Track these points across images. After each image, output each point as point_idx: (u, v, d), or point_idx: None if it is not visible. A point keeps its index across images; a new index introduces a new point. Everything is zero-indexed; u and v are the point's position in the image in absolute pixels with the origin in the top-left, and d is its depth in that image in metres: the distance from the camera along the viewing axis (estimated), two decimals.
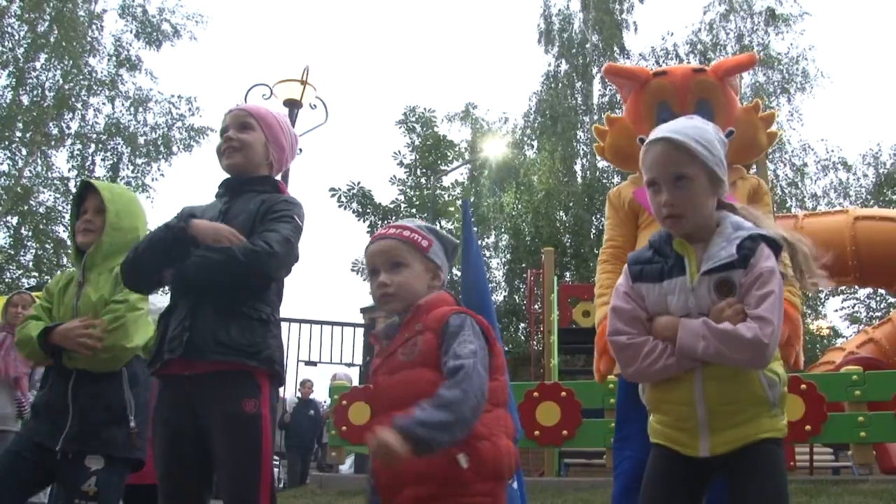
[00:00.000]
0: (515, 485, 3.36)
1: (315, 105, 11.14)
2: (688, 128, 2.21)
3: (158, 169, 22.74)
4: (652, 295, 2.16)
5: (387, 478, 2.05)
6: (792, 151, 25.70)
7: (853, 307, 24.83)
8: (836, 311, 25.99)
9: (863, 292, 23.81)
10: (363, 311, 17.13)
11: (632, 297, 2.19)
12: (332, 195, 19.11)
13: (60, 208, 21.43)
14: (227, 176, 2.91)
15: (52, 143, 21.62)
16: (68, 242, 21.00)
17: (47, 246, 20.99)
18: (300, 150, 11.23)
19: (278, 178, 3.03)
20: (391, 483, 2.04)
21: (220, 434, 2.52)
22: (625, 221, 3.03)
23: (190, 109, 22.74)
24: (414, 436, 1.87)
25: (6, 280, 20.46)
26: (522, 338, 20.45)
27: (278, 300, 2.79)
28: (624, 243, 3.05)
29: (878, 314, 22.69)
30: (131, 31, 22.65)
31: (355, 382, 11.14)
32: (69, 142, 21.92)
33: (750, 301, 2.02)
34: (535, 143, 26.62)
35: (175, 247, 2.59)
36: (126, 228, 3.18)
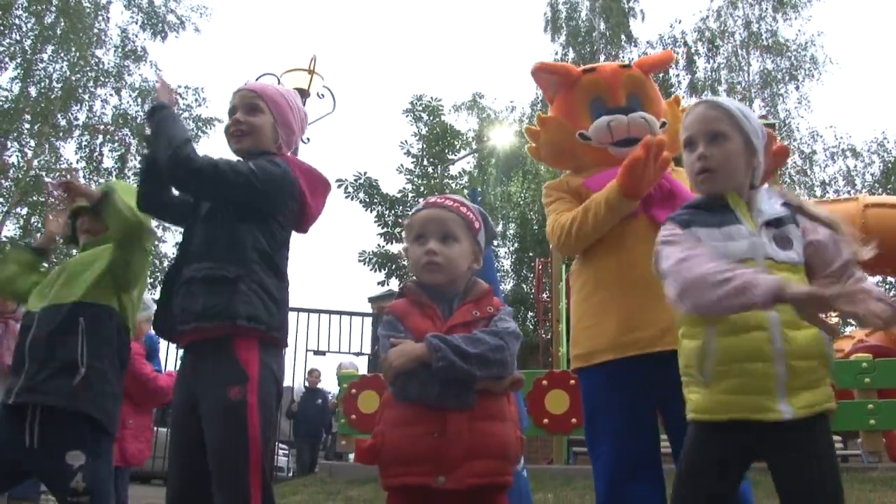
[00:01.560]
0: (525, 472, 3.37)
1: (322, 94, 11.11)
2: (728, 99, 2.27)
3: None
4: (711, 239, 2.08)
5: (459, 448, 2.04)
6: (801, 139, 25.60)
7: None
8: None
9: (872, 282, 23.71)
10: (371, 300, 17.10)
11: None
12: (339, 185, 19.06)
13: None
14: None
15: (60, 134, 21.66)
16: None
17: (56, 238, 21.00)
18: (307, 139, 11.26)
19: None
20: (462, 454, 2.03)
21: (206, 422, 2.47)
22: (576, 204, 2.92)
23: (197, 100, 22.77)
24: (443, 350, 2.03)
25: None
26: (531, 326, 20.42)
27: (264, 261, 2.62)
28: None
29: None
30: (137, 23, 22.68)
31: (363, 371, 11.15)
32: (77, 133, 21.97)
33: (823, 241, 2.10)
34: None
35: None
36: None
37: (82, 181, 3.31)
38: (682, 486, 2.07)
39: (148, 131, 2.67)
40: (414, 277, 2.36)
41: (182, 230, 2.81)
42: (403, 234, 2.39)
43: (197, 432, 2.49)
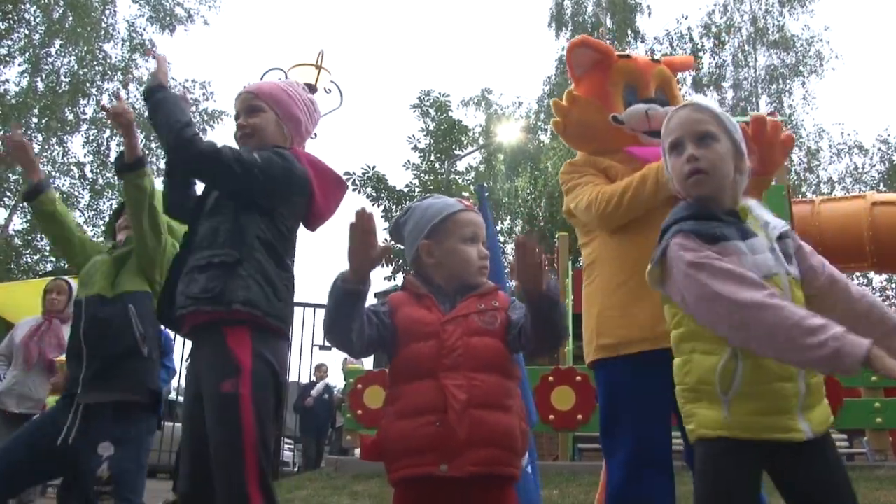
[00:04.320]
0: (530, 469, 3.37)
1: (330, 89, 11.10)
2: (711, 101, 2.27)
3: None
4: (740, 252, 1.99)
5: (464, 434, 2.05)
6: (807, 135, 25.54)
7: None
8: None
9: (877, 281, 23.69)
10: (377, 295, 17.13)
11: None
12: (347, 179, 19.04)
13: (76, 193, 21.59)
14: None
15: (68, 128, 21.72)
16: (85, 228, 21.26)
17: None
18: (315, 134, 11.26)
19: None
20: (463, 441, 2.04)
21: (206, 415, 2.46)
22: (606, 182, 2.86)
23: (204, 94, 22.87)
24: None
25: (23, 265, 20.62)
26: None
27: (266, 249, 2.62)
28: None
29: (894, 301, 22.58)
30: (144, 16, 22.78)
31: (368, 366, 11.16)
32: (84, 127, 22.03)
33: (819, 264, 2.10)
34: (549, 128, 26.56)
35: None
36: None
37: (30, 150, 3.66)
38: None
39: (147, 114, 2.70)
40: (413, 272, 2.39)
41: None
42: (422, 230, 2.35)
43: (204, 420, 2.49)
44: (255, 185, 2.58)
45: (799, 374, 1.95)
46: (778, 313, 1.83)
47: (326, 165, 2.85)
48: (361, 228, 2.03)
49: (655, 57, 3.26)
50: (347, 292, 2.07)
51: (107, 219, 21.76)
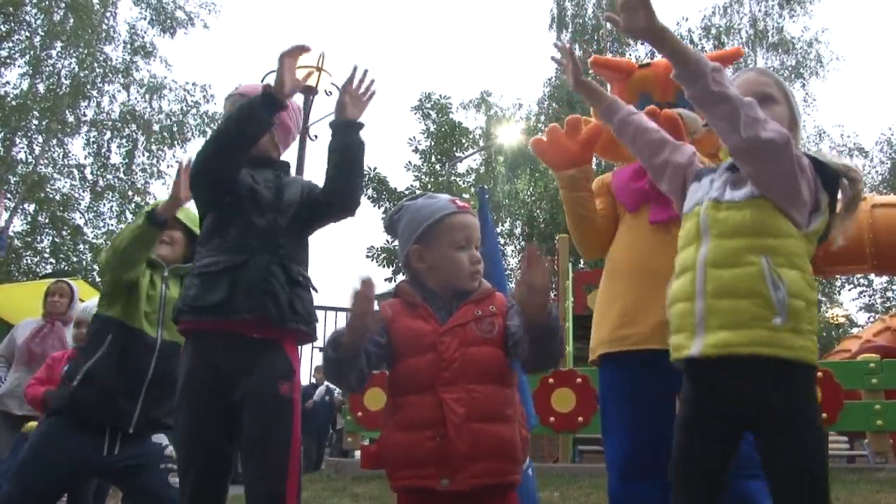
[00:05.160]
0: (530, 470, 3.37)
1: (331, 92, 11.11)
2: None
3: (174, 155, 22.92)
4: (693, 192, 2.24)
5: (465, 448, 2.03)
6: (807, 137, 25.54)
7: (869, 297, 24.73)
8: (853, 300, 25.87)
9: (878, 283, 23.69)
10: (378, 297, 17.10)
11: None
12: None
13: (77, 195, 21.61)
14: None
15: (68, 130, 21.73)
16: (85, 230, 21.27)
17: (64, 233, 21.11)
18: (315, 136, 11.27)
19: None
20: (464, 456, 2.03)
21: (253, 414, 2.45)
22: (606, 203, 2.99)
23: (205, 97, 22.84)
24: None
25: (23, 267, 20.62)
26: None
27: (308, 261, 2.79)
28: (607, 219, 2.98)
29: (895, 303, 22.58)
30: (145, 19, 22.75)
31: None
32: (85, 129, 22.04)
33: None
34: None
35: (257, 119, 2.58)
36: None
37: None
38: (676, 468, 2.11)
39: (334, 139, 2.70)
40: (406, 277, 2.37)
41: (228, 212, 2.65)
42: (413, 234, 2.33)
43: (221, 424, 2.49)
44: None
45: (696, 294, 2.04)
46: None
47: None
48: (364, 296, 2.02)
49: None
50: (345, 358, 2.08)
51: (107, 220, 21.85)
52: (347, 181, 2.69)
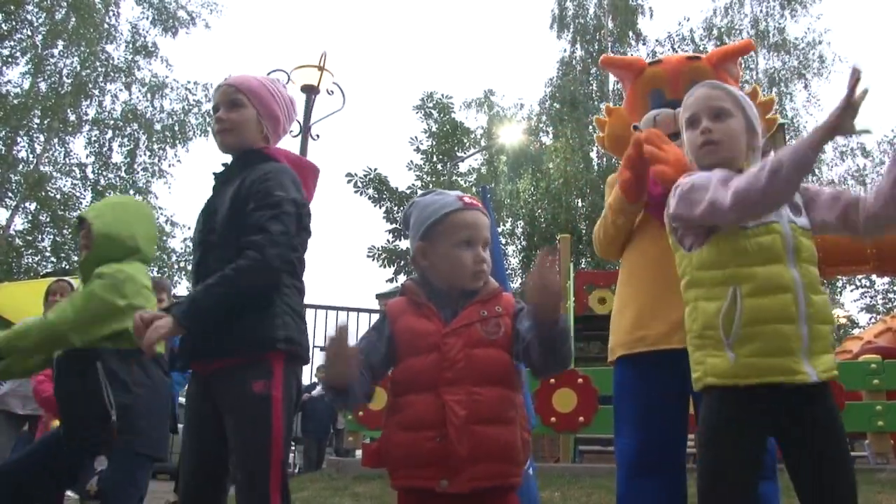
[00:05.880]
0: (531, 470, 3.38)
1: (332, 91, 11.13)
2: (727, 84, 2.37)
3: (175, 154, 22.97)
4: None
5: (465, 450, 2.02)
6: None
7: (871, 298, 24.72)
8: (855, 301, 25.86)
9: (880, 284, 23.68)
10: (379, 296, 17.14)
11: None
12: (349, 180, 19.13)
13: (78, 194, 21.62)
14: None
15: (70, 129, 21.74)
16: None
17: (65, 231, 21.11)
18: (317, 135, 11.27)
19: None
20: (465, 457, 2.02)
21: (229, 415, 2.48)
22: None
23: (206, 96, 22.83)
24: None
25: (24, 265, 20.63)
26: None
27: (293, 272, 2.66)
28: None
29: None
30: (147, 18, 22.79)
31: None
32: (86, 128, 22.05)
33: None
34: (550, 130, 26.56)
35: None
36: (117, 236, 3.30)
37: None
38: (707, 453, 2.06)
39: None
40: (414, 275, 2.34)
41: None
42: (418, 231, 2.30)
43: (217, 431, 2.51)
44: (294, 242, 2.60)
45: (799, 318, 2.01)
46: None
47: (301, 158, 2.88)
48: (340, 341, 2.02)
49: (693, 54, 3.25)
50: (342, 401, 2.09)
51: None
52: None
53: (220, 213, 2.64)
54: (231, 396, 2.49)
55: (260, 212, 2.51)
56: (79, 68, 21.47)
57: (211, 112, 2.82)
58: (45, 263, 20.78)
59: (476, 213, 2.27)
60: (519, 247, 24.79)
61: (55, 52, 21.45)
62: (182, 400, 3.50)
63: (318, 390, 13.28)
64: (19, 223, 20.96)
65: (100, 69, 21.90)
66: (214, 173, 2.82)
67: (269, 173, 2.61)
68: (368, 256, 19.17)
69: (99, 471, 3.06)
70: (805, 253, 2.09)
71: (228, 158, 2.81)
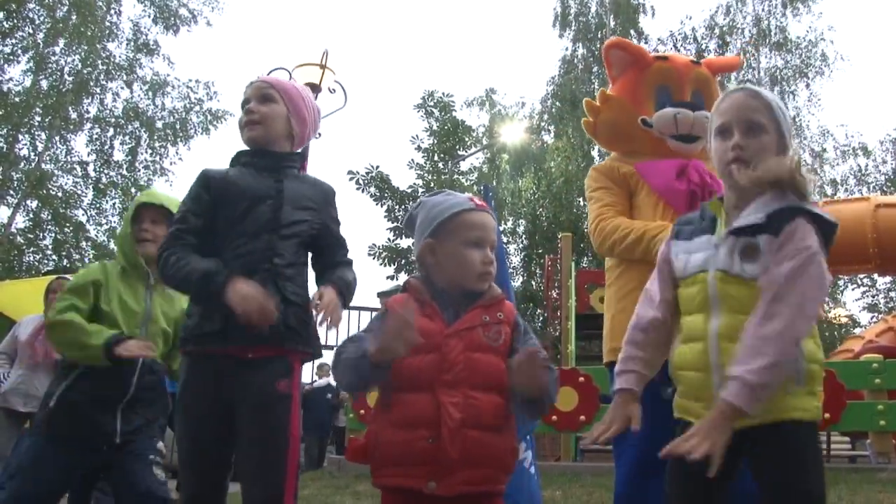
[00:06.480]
0: (532, 469, 3.37)
1: (334, 89, 11.13)
2: (766, 90, 2.24)
3: (177, 152, 22.99)
4: (680, 253, 2.15)
5: (457, 454, 2.01)
6: (811, 137, 25.50)
7: (872, 297, 24.70)
8: (856, 300, 25.83)
9: (881, 283, 23.67)
10: (380, 295, 17.13)
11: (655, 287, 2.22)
12: (350, 178, 19.12)
13: (80, 192, 21.63)
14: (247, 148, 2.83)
15: (71, 127, 21.74)
16: (87, 227, 21.28)
17: (66, 229, 21.12)
18: (319, 133, 11.25)
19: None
20: (455, 461, 2.01)
21: (250, 411, 2.47)
22: (621, 195, 2.94)
23: (208, 94, 22.86)
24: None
25: (25, 263, 20.64)
26: (540, 324, 20.42)
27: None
28: (623, 211, 2.94)
29: None
30: (149, 16, 22.78)
31: None
32: (88, 126, 22.06)
33: (774, 274, 1.91)
34: (552, 129, 26.53)
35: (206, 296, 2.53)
36: None
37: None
38: (669, 475, 2.14)
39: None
40: (417, 274, 2.33)
41: (226, 233, 2.64)
42: (427, 228, 2.26)
43: (220, 426, 2.51)
44: None
45: (711, 367, 2.00)
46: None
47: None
48: (405, 320, 2.00)
49: (695, 58, 3.25)
50: (373, 367, 2.04)
51: (109, 217, 21.84)
52: None
53: (302, 203, 2.71)
54: (257, 394, 2.48)
55: (341, 248, 2.86)
56: (80, 66, 21.47)
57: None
58: (46, 261, 20.80)
59: (486, 216, 2.28)
60: (520, 246, 24.76)
61: (56, 49, 21.45)
62: None
63: (317, 383, 13.30)
64: (21, 221, 20.98)
65: (101, 67, 21.89)
66: (251, 152, 2.80)
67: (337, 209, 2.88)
68: (369, 255, 19.15)
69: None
70: (732, 302, 2.00)
71: (226, 156, 2.85)
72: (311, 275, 2.80)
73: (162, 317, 3.25)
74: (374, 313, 14.26)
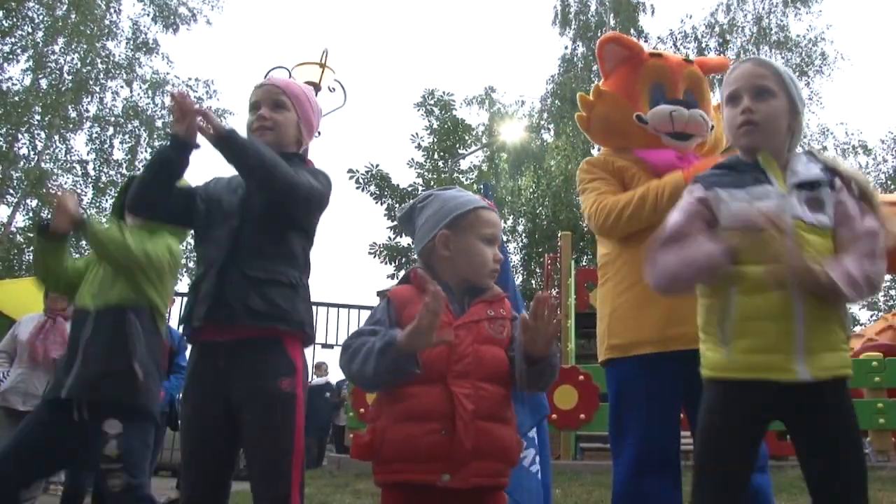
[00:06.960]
0: (534, 468, 3.35)
1: (334, 88, 11.11)
2: (777, 62, 2.32)
3: None
4: (734, 199, 2.10)
5: (471, 445, 2.01)
6: (811, 136, 25.50)
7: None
8: None
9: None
10: (380, 293, 17.13)
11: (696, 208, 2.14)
12: (350, 177, 19.11)
13: (80, 191, 21.62)
14: None
15: (71, 126, 21.75)
16: None
17: None
18: (319, 132, 11.25)
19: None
20: (469, 453, 2.01)
21: (253, 413, 2.47)
22: (617, 186, 2.90)
23: (207, 93, 22.90)
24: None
25: (25, 262, 20.65)
26: None
27: (307, 267, 2.72)
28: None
29: None
30: (148, 15, 22.80)
31: None
32: (87, 125, 22.06)
33: (868, 224, 2.06)
34: (552, 128, 26.52)
35: (176, 161, 2.63)
36: None
37: (72, 204, 3.28)
38: (700, 443, 2.07)
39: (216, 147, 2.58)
40: (421, 265, 2.33)
41: (212, 226, 2.69)
42: (443, 220, 2.28)
43: (223, 421, 2.51)
44: (315, 209, 2.72)
45: (796, 315, 1.97)
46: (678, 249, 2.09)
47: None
48: (437, 310, 1.98)
49: (687, 57, 3.24)
50: (406, 357, 2.02)
51: (109, 216, 21.81)
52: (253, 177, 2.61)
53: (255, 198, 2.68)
54: (257, 393, 2.48)
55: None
56: (79, 65, 21.50)
57: (249, 109, 2.82)
58: None
59: (496, 216, 2.33)
60: (520, 244, 24.76)
61: (56, 48, 21.47)
62: (179, 397, 3.48)
63: (316, 381, 13.29)
64: (20, 220, 21.00)
65: (100, 66, 21.93)
66: None
67: (315, 170, 2.75)
68: (370, 253, 19.14)
69: (113, 434, 3.05)
70: (812, 250, 2.00)
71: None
72: (312, 276, 2.79)
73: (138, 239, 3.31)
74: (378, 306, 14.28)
